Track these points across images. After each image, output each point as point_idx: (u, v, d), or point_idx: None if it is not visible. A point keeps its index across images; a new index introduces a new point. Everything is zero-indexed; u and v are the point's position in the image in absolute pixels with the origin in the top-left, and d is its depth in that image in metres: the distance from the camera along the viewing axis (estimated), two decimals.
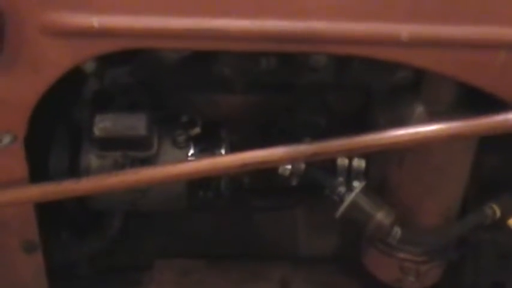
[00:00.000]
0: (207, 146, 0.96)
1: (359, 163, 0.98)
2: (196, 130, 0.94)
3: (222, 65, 0.95)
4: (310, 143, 0.86)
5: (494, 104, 0.87)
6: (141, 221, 1.16)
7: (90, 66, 0.91)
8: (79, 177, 0.92)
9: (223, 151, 0.95)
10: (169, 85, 0.99)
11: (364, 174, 0.98)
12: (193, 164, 0.89)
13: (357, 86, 1.00)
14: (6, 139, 0.91)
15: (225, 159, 0.88)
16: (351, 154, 0.93)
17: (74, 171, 0.96)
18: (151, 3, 0.80)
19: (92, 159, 0.95)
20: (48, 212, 1.03)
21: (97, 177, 0.92)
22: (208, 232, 1.18)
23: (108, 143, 0.89)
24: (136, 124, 0.88)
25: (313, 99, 1.02)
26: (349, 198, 0.95)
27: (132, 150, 0.92)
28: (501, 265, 1.15)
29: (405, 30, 0.79)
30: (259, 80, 0.98)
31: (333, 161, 0.99)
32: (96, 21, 0.79)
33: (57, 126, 1.00)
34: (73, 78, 0.89)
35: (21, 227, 1.01)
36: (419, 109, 0.93)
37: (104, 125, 0.88)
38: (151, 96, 0.95)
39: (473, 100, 0.92)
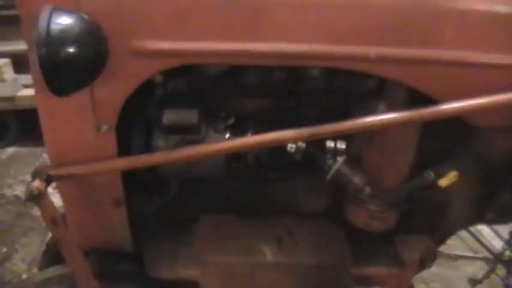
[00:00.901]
0: (238, 132, 1.02)
1: (341, 144, 1.09)
2: (231, 121, 1.02)
3: (248, 76, 1.05)
4: (305, 128, 0.98)
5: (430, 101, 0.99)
6: (191, 187, 1.21)
7: (157, 77, 1.03)
8: (152, 153, 0.99)
9: (249, 135, 1.01)
10: (212, 90, 1.09)
11: (345, 152, 1.09)
12: (228, 143, 0.97)
13: (340, 91, 1.08)
14: (104, 128, 1.04)
15: (250, 139, 0.96)
16: (336, 135, 1.05)
17: (148, 149, 1.04)
18: (202, 32, 0.92)
19: (160, 141, 1.02)
20: (128, 179, 1.13)
21: (164, 153, 0.99)
22: (236, 195, 1.26)
23: (171, 129, 0.98)
24: (191, 116, 0.96)
25: (310, 100, 1.05)
26: (334, 168, 1.06)
27: (187, 135, 1.02)
28: (435, 214, 1.25)
29: (373, 50, 0.86)
30: (272, 86, 1.07)
31: (323, 144, 1.09)
32: (166, 45, 0.91)
33: (135, 119, 1.07)
34: (145, 86, 1.00)
35: (112, 188, 1.13)
36: (382, 106, 1.02)
37: (169, 117, 0.97)
38: (200, 98, 1.02)
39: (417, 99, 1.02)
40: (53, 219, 1.05)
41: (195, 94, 1.06)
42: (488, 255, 2.04)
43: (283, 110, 1.11)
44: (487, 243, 2.09)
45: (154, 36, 0.90)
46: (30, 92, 3.11)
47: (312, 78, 1.03)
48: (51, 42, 0.77)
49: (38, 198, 1.00)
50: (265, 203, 1.27)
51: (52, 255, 1.60)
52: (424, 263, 1.22)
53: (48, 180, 1.03)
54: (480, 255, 2.06)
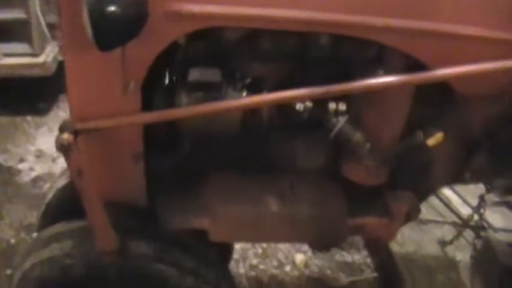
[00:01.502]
0: (254, 91, 1.12)
1: (342, 105, 1.17)
2: (248, 81, 1.10)
3: (263, 41, 1.10)
4: (317, 87, 1.07)
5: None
6: (203, 144, 1.30)
7: (181, 39, 1.06)
8: (176, 108, 1.08)
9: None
10: (231, 53, 1.16)
11: (346, 113, 1.19)
12: (247, 99, 1.06)
13: (345, 58, 1.19)
14: (132, 84, 1.08)
15: (267, 96, 1.06)
16: (338, 97, 1.17)
17: (169, 106, 1.10)
18: None
19: (183, 97, 1.11)
20: (145, 135, 1.21)
21: (188, 108, 1.08)
22: (244, 152, 1.34)
23: (195, 86, 1.06)
24: (214, 75, 1.05)
25: (317, 66, 1.16)
26: (338, 126, 1.14)
27: (209, 91, 1.07)
28: (419, 173, 1.39)
29: (379, 20, 0.98)
30: (285, 52, 1.16)
31: (326, 105, 1.21)
32: (196, 8, 0.97)
33: (159, 77, 1.13)
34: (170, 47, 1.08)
35: (133, 142, 1.21)
36: (381, 72, 1.10)
37: (194, 75, 1.06)
38: (220, 60, 1.10)
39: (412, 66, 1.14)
40: (79, 170, 1.14)
41: (215, 56, 1.15)
42: (456, 220, 2.26)
43: (293, 74, 1.22)
44: (455, 210, 2.30)
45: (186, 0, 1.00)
46: (10, 60, 3.08)
47: (320, 46, 1.15)
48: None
49: (67, 149, 1.08)
50: (270, 159, 1.38)
51: (51, 217, 1.66)
52: (410, 215, 1.39)
53: (75, 133, 1.12)
54: (449, 220, 2.27)
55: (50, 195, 1.70)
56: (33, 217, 2.42)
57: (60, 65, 3.26)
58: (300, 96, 1.09)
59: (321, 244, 1.43)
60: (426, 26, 1.07)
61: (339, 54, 1.18)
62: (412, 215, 1.39)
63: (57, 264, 1.29)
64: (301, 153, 1.38)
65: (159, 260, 1.28)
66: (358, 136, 1.20)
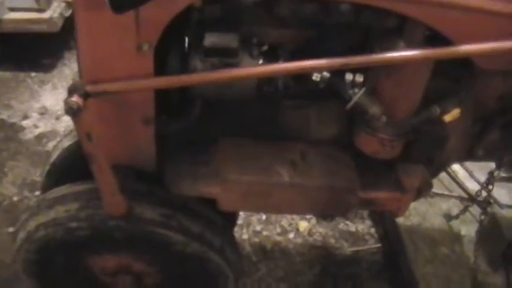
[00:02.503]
0: (270, 58, 1.10)
1: (359, 77, 1.16)
2: (264, 48, 1.08)
3: (281, 7, 1.07)
4: (336, 58, 1.01)
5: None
6: (213, 109, 1.29)
7: (197, 2, 1.04)
8: (192, 73, 1.06)
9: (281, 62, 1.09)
10: (247, 18, 1.11)
11: (363, 84, 1.17)
12: (265, 67, 1.05)
13: (365, 27, 1.16)
14: (145, 46, 1.07)
15: (285, 65, 1.03)
16: (356, 68, 1.14)
17: (183, 71, 1.08)
18: None
19: (197, 62, 1.08)
20: (157, 99, 1.19)
21: (203, 73, 1.06)
22: (256, 119, 1.32)
23: (211, 51, 1.04)
24: (231, 40, 1.03)
25: (337, 34, 1.15)
26: (355, 97, 1.12)
27: (225, 57, 1.05)
28: (433, 147, 1.38)
29: None
30: (303, 19, 1.12)
31: (343, 76, 1.19)
32: None
33: (173, 40, 1.10)
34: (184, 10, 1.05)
35: (144, 106, 1.20)
36: (402, 43, 1.07)
37: (211, 39, 1.03)
38: (236, 25, 1.08)
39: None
40: (88, 134, 1.12)
41: (231, 21, 1.12)
42: (463, 194, 2.27)
43: (311, 41, 1.19)
44: (461, 184, 2.30)
45: None
46: (15, 15, 3.02)
47: (340, 13, 1.11)
48: None
49: (77, 112, 1.07)
50: (282, 127, 1.37)
51: (56, 177, 1.67)
52: (421, 191, 1.38)
53: (85, 96, 1.10)
54: (455, 194, 2.28)
55: (54, 155, 1.70)
56: (36, 175, 2.44)
57: (67, 22, 3.21)
58: (318, 66, 1.07)
59: (328, 214, 1.44)
60: None
61: (358, 22, 1.13)
62: (423, 190, 1.39)
63: (62, 226, 1.32)
64: (314, 122, 1.37)
65: (165, 226, 1.31)
66: (374, 109, 1.18)
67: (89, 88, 1.10)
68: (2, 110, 2.85)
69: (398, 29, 1.14)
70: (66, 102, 1.07)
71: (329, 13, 1.12)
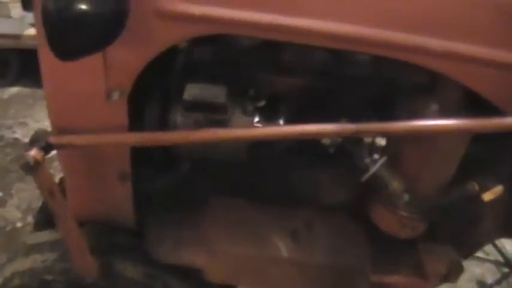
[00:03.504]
0: (268, 115, 0.89)
1: (380, 141, 0.91)
2: (262, 103, 0.87)
3: (285, 52, 0.87)
4: (353, 123, 0.85)
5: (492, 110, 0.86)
6: (203, 165, 1.10)
7: (183, 44, 0.84)
8: (168, 131, 0.86)
9: (281, 121, 0.89)
10: (243, 64, 0.91)
11: (383, 151, 0.92)
12: (259, 130, 0.84)
13: (387, 80, 0.95)
14: (116, 95, 0.86)
15: (285, 129, 0.82)
16: (382, 136, 0.86)
17: (163, 125, 0.89)
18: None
19: (178, 117, 0.88)
20: (136, 150, 1.01)
21: (182, 132, 0.86)
22: (251, 180, 1.14)
23: (193, 106, 0.85)
24: (218, 93, 0.83)
25: (352, 86, 0.96)
26: (372, 169, 0.95)
27: (211, 113, 0.86)
28: (466, 226, 1.14)
29: (435, 42, 0.72)
30: (311, 67, 0.94)
31: (360, 140, 0.99)
32: (197, 10, 0.72)
33: (151, 88, 0.91)
34: (167, 52, 0.87)
35: (119, 161, 1.01)
36: (434, 106, 0.88)
37: (192, 92, 0.83)
38: (229, 72, 0.87)
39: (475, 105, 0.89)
40: (50, 191, 0.94)
41: (223, 67, 0.92)
42: (499, 258, 1.96)
43: (319, 94, 0.97)
44: (499, 246, 2.00)
45: None
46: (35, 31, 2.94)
47: (357, 63, 0.90)
48: None
49: (33, 169, 0.88)
50: (283, 190, 1.15)
51: (47, 216, 1.50)
52: (449, 277, 1.12)
53: (46, 148, 0.91)
54: (491, 258, 1.98)
55: None
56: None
57: None
58: (325, 132, 0.84)
59: None
60: (495, 55, 0.79)
61: (379, 75, 0.93)
62: (451, 276, 1.13)
63: (37, 277, 1.13)
64: (322, 186, 1.14)
65: (149, 287, 1.11)
66: (395, 184, 0.94)
67: (53, 139, 0.91)
68: (17, 128, 2.74)
69: (429, 87, 0.91)
70: (24, 156, 0.88)
71: (342, 63, 0.91)
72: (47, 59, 0.87)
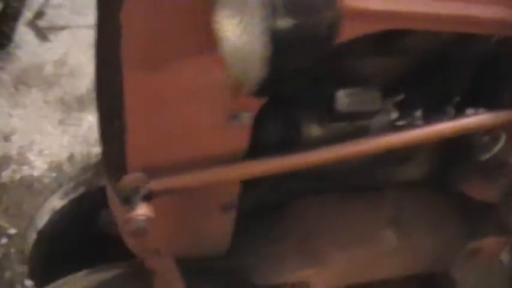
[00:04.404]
0: (407, 110, 0.76)
1: None
2: (400, 97, 0.73)
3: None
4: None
5: None
6: None
7: None
8: (307, 149, 0.69)
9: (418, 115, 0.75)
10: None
11: None
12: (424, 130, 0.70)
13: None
14: (245, 117, 0.66)
15: (445, 126, 0.70)
16: None
17: (289, 143, 0.70)
18: None
19: (313, 129, 0.70)
20: None
21: (326, 149, 0.69)
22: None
23: (342, 116, 0.67)
24: (373, 99, 0.66)
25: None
26: (495, 147, 0.87)
27: (358, 120, 0.69)
28: None
29: None
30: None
31: None
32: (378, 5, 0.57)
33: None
34: None
35: (227, 192, 0.82)
36: None
37: (346, 100, 0.64)
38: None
39: None
40: (157, 250, 0.72)
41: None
42: None
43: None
44: None
45: None
46: None
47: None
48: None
49: (146, 229, 0.66)
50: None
51: (46, 248, 1.22)
52: None
53: (148, 198, 0.68)
54: None
55: (41, 220, 1.24)
56: None
57: None
58: (485, 124, 0.74)
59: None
60: None
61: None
62: None
63: None
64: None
65: None
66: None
67: (156, 185, 0.68)
68: None
69: None
70: (129, 220, 0.65)
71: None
72: (138, 86, 0.63)
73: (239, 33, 0.47)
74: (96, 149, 2.06)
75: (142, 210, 0.65)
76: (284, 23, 0.46)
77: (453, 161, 1.01)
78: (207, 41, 0.58)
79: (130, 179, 0.69)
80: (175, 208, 0.78)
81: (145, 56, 0.61)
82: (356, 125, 0.74)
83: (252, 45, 0.47)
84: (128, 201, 0.67)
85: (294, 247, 0.97)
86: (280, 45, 0.47)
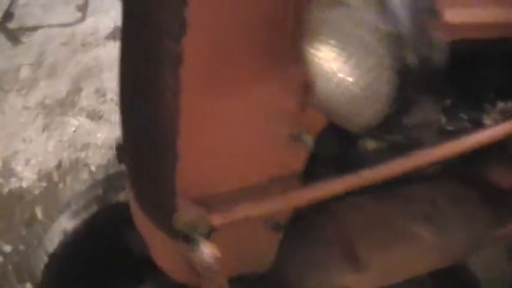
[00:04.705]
0: (453, 113, 0.73)
1: None
2: (447, 101, 0.71)
3: None
4: None
5: None
6: None
7: None
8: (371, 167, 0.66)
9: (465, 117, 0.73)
10: None
11: None
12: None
13: None
14: (308, 139, 0.62)
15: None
16: None
17: (346, 157, 0.68)
18: None
19: (368, 144, 0.68)
20: None
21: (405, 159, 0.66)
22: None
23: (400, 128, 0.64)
24: (429, 109, 0.64)
25: None
26: None
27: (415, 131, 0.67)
28: None
29: None
30: None
31: None
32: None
33: None
34: None
35: (281, 214, 0.77)
36: None
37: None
38: None
39: None
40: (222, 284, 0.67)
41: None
42: None
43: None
44: None
45: None
46: None
47: None
48: None
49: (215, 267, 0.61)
50: None
51: (59, 272, 1.15)
52: None
53: (210, 235, 0.63)
54: None
55: (52, 242, 1.17)
56: None
57: None
58: None
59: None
60: None
61: None
62: None
63: None
64: None
65: None
66: None
67: (219, 219, 0.63)
68: None
69: None
70: (200, 261, 0.60)
71: None
72: (195, 108, 0.57)
73: (349, 70, 0.42)
74: (85, 154, 1.96)
75: (208, 250, 0.60)
76: (413, 57, 0.42)
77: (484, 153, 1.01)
78: (276, 64, 0.53)
79: (187, 215, 0.63)
80: (231, 236, 0.74)
81: (210, 80, 0.55)
82: (411, 135, 0.71)
83: (377, 84, 0.42)
84: (186, 239, 0.62)
85: (337, 253, 0.95)
86: (406, 80, 0.43)
